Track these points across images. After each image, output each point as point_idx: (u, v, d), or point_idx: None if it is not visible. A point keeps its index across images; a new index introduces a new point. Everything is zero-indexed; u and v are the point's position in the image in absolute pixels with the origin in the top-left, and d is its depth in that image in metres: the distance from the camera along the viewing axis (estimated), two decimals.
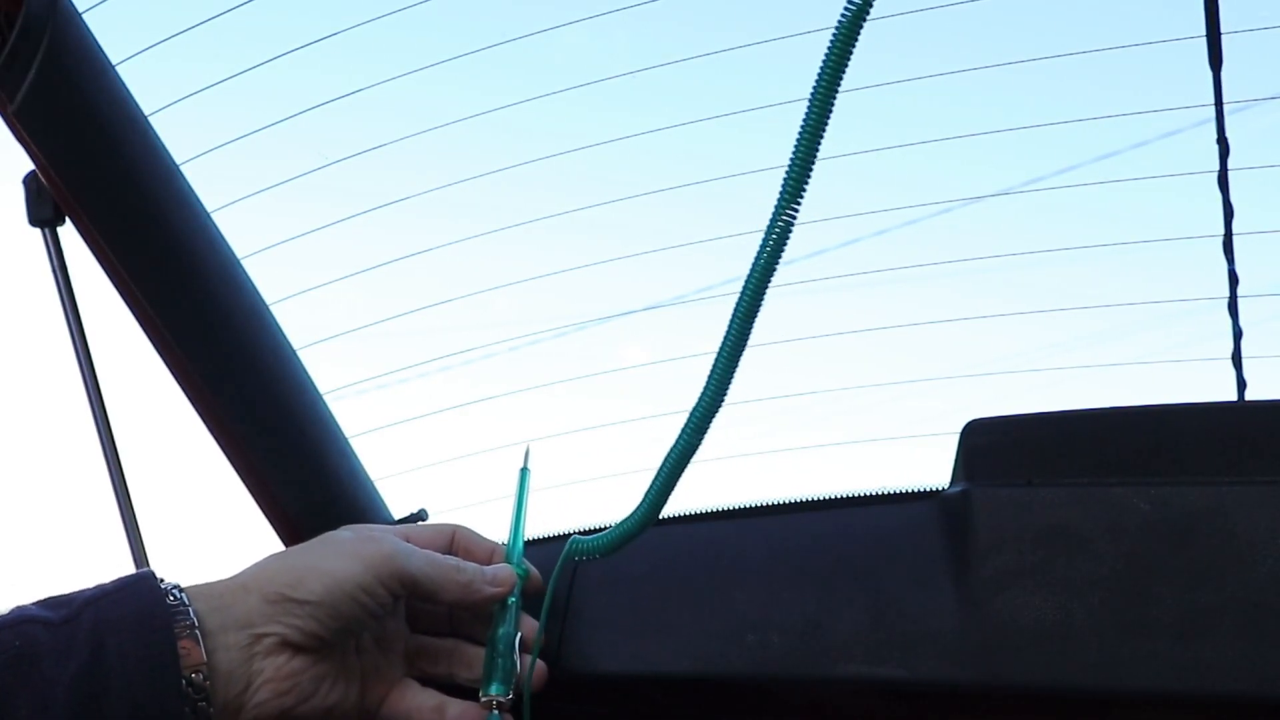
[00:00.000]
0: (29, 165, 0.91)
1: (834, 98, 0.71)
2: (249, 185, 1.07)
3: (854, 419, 1.16)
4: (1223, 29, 0.90)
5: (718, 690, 0.88)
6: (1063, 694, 0.78)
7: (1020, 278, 1.07)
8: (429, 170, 1.12)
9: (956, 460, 0.86)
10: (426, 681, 0.82)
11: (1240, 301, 0.94)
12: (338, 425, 1.05)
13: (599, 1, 1.01)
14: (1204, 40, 0.90)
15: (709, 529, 0.94)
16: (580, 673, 0.90)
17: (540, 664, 0.82)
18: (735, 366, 0.77)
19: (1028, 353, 1.06)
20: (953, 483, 0.86)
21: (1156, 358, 1.03)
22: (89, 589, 0.70)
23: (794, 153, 0.71)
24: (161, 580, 0.71)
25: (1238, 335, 0.94)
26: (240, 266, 0.96)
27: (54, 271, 0.97)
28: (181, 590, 0.70)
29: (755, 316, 0.76)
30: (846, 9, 0.69)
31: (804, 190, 0.72)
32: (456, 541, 0.83)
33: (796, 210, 0.72)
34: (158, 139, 0.90)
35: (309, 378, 1.01)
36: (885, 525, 0.87)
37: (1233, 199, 0.93)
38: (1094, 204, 1.03)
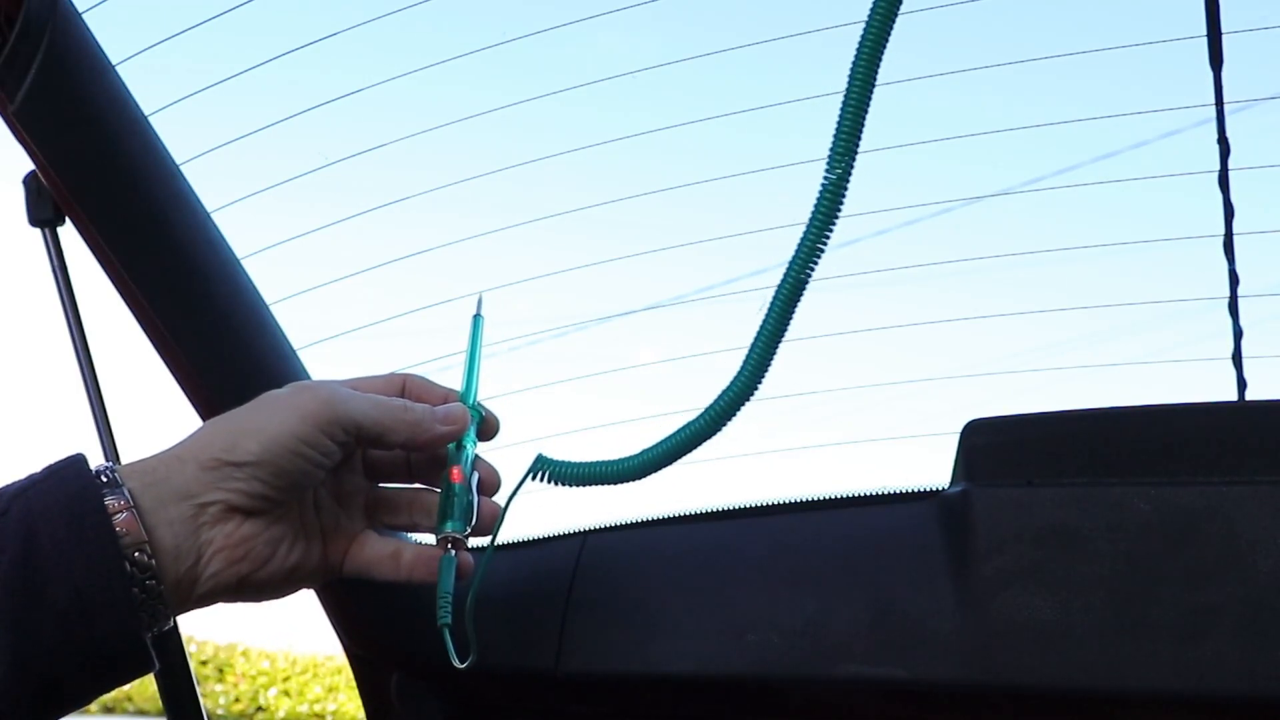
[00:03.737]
0: (29, 165, 0.91)
1: (872, 86, 0.72)
2: (249, 185, 1.07)
3: (854, 419, 1.16)
4: (1223, 28, 0.90)
5: (718, 690, 0.88)
6: (1063, 694, 0.78)
7: (1020, 278, 1.06)
8: (428, 170, 1.12)
9: (956, 460, 0.86)
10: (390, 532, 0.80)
11: (1241, 301, 0.94)
12: None
13: (601, 1, 1.01)
14: (1204, 40, 0.90)
15: (709, 529, 0.94)
16: (580, 672, 0.91)
17: (497, 503, 0.79)
18: (773, 354, 0.77)
19: (1028, 353, 1.06)
20: (953, 483, 0.86)
21: (1156, 358, 1.03)
22: (18, 481, 0.67)
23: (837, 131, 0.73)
24: (94, 463, 0.68)
25: (1238, 335, 0.94)
26: (240, 266, 0.96)
27: (54, 271, 0.97)
28: (114, 469, 0.68)
29: (796, 303, 0.76)
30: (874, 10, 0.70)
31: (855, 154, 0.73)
32: (408, 388, 0.80)
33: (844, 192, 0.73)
34: (158, 139, 0.90)
35: (309, 377, 1.01)
36: (885, 525, 0.87)
37: (1233, 199, 0.93)
38: (1094, 204, 1.03)
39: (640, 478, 0.80)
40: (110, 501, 0.66)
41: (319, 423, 0.71)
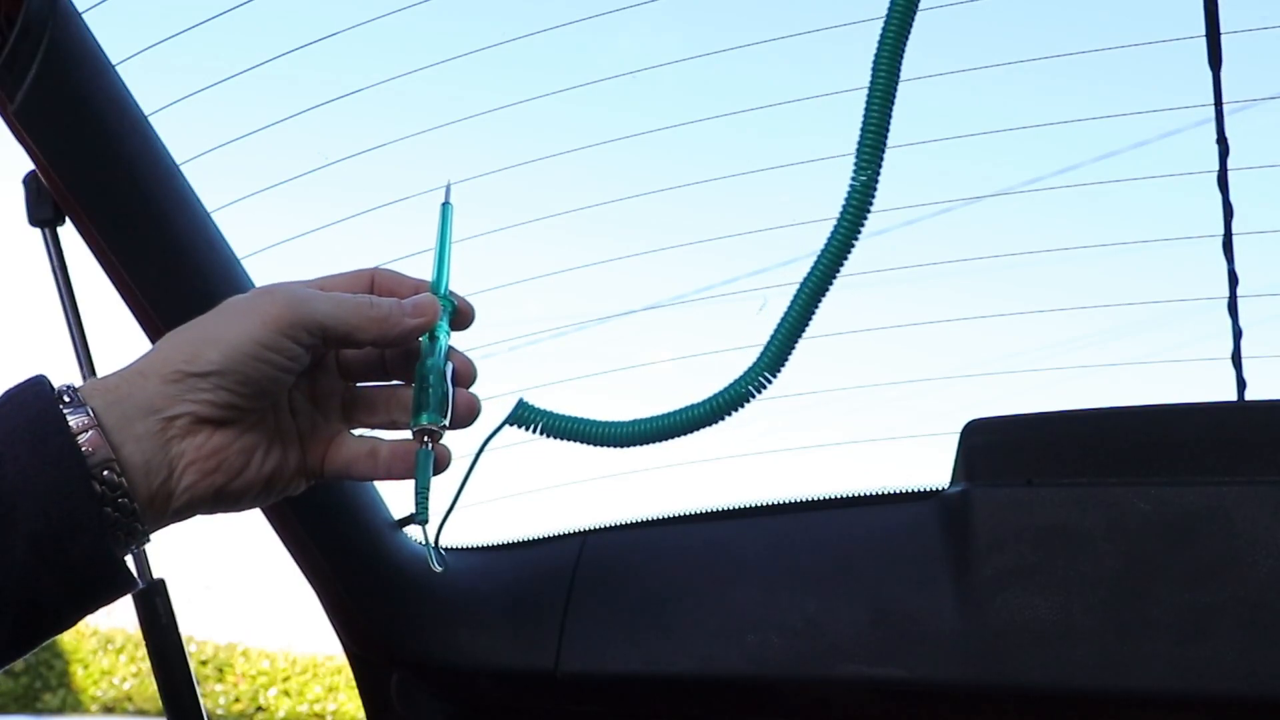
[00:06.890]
0: (29, 165, 0.91)
1: (895, 86, 0.72)
2: (249, 185, 1.06)
3: (854, 419, 1.16)
4: (1222, 29, 0.90)
5: (718, 690, 0.88)
6: (1063, 694, 0.78)
7: (1020, 277, 1.07)
8: (429, 170, 1.12)
9: (956, 460, 0.86)
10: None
11: (1240, 301, 0.94)
12: None
13: (602, 1, 1.01)
14: (1204, 40, 0.90)
15: (709, 529, 0.94)
16: (580, 672, 0.91)
17: (474, 394, 0.77)
18: (787, 356, 0.76)
19: (1028, 353, 1.06)
20: (953, 483, 0.86)
21: (1156, 358, 1.03)
22: None
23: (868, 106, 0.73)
24: (56, 386, 0.66)
25: (1237, 335, 0.94)
26: (240, 266, 0.96)
27: (54, 271, 0.97)
28: (76, 389, 0.66)
29: (816, 306, 0.75)
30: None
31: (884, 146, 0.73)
32: (378, 283, 0.77)
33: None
34: (158, 139, 0.90)
35: None
36: (885, 525, 0.87)
37: (1232, 199, 0.93)
38: (1094, 204, 1.03)
39: (624, 446, 0.77)
40: (74, 421, 0.64)
41: (280, 326, 0.69)
